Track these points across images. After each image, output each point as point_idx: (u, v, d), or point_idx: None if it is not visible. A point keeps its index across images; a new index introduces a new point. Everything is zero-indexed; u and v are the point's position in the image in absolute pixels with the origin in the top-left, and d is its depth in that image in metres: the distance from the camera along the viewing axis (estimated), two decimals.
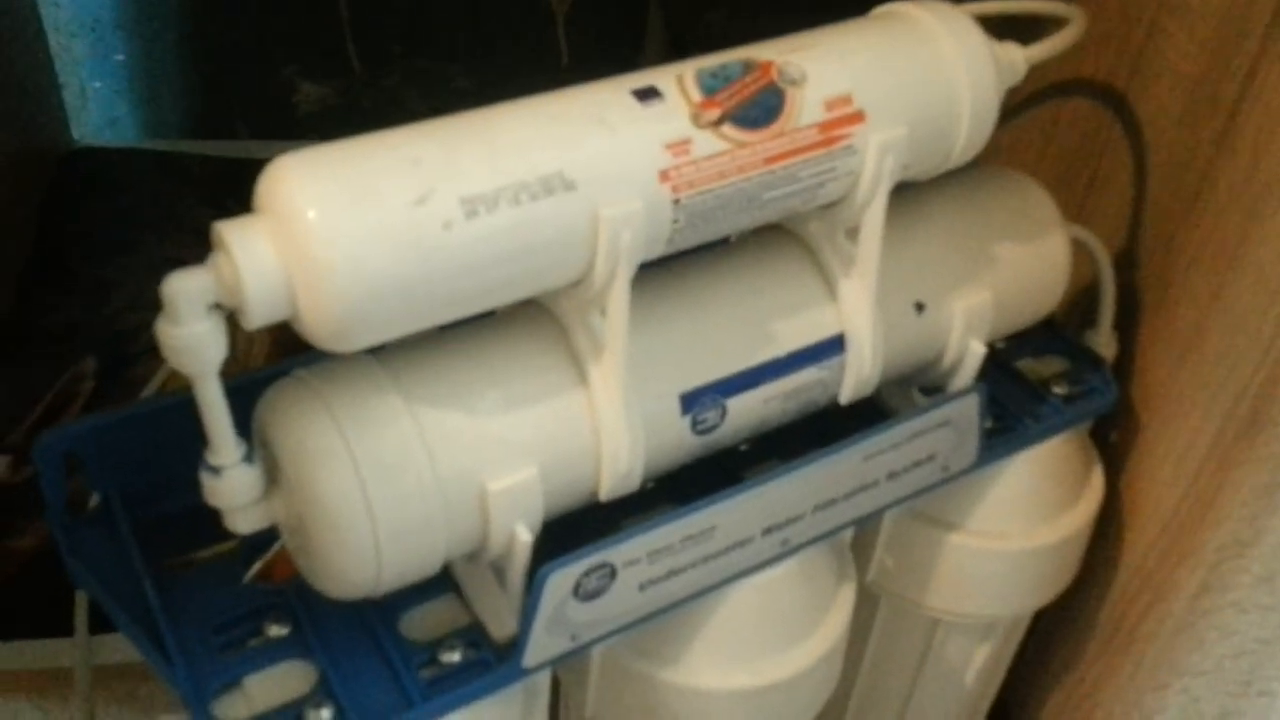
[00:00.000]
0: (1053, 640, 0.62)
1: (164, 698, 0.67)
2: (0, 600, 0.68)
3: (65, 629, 0.43)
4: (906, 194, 0.44)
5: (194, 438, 0.34)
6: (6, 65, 0.87)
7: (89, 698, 0.44)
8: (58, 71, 0.96)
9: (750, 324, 0.40)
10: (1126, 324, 0.53)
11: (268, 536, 0.38)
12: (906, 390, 0.48)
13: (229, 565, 0.40)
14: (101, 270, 0.87)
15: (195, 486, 0.34)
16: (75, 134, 0.99)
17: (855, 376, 0.42)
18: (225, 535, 0.40)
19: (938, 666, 0.56)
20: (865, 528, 0.48)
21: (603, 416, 0.37)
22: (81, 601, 0.42)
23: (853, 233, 0.40)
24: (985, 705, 0.60)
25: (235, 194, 0.31)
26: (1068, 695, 0.61)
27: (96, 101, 0.99)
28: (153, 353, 0.80)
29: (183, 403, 0.37)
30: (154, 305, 0.30)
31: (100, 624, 0.43)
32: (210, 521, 0.36)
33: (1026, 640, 0.59)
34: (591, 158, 0.33)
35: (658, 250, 0.36)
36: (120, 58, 0.97)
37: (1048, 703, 0.63)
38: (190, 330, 0.30)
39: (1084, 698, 0.59)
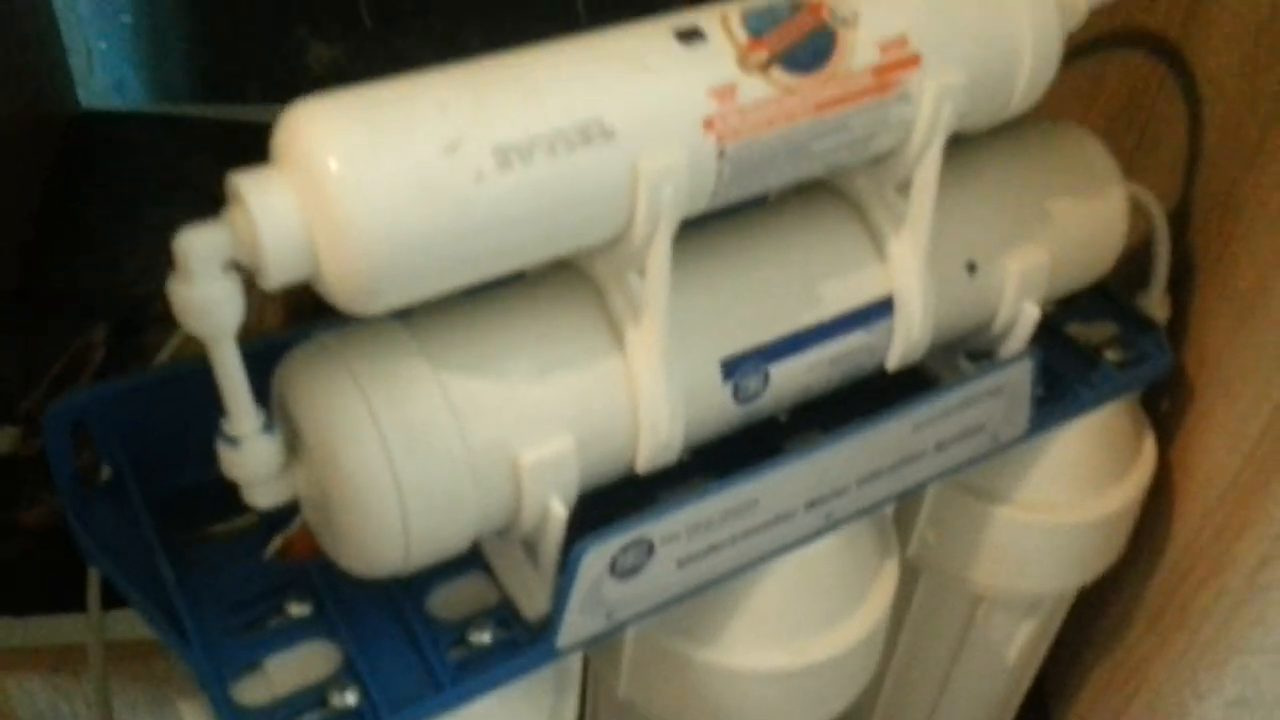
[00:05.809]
0: (1096, 617, 0.60)
1: (180, 675, 0.66)
2: (12, 576, 0.66)
3: (79, 605, 0.41)
4: (957, 148, 0.41)
5: (208, 407, 0.32)
6: (10, 26, 0.84)
7: (103, 674, 0.43)
8: (62, 33, 0.93)
9: (794, 287, 0.38)
10: (1179, 286, 0.51)
11: (287, 511, 0.36)
12: (952, 357, 0.46)
13: (246, 541, 0.38)
14: (110, 236, 0.85)
15: (209, 459, 0.32)
16: (81, 97, 0.97)
17: (904, 341, 0.40)
18: (242, 510, 0.38)
19: (978, 644, 0.54)
20: (908, 500, 0.46)
21: (641, 384, 0.35)
22: (94, 577, 0.40)
23: (904, 188, 0.38)
24: (1025, 685, 0.58)
25: (246, 158, 0.29)
26: (1110, 674, 0.59)
27: (102, 64, 0.96)
28: (165, 319, 0.78)
29: (196, 371, 0.35)
30: (164, 271, 0.28)
31: (114, 599, 0.41)
32: (225, 496, 0.34)
33: (1066, 617, 0.56)
34: (631, 104, 0.31)
35: (700, 205, 0.34)
36: (126, 19, 0.94)
37: (1087, 681, 0.61)
38: (204, 291, 0.28)
39: (1128, 677, 0.57)
